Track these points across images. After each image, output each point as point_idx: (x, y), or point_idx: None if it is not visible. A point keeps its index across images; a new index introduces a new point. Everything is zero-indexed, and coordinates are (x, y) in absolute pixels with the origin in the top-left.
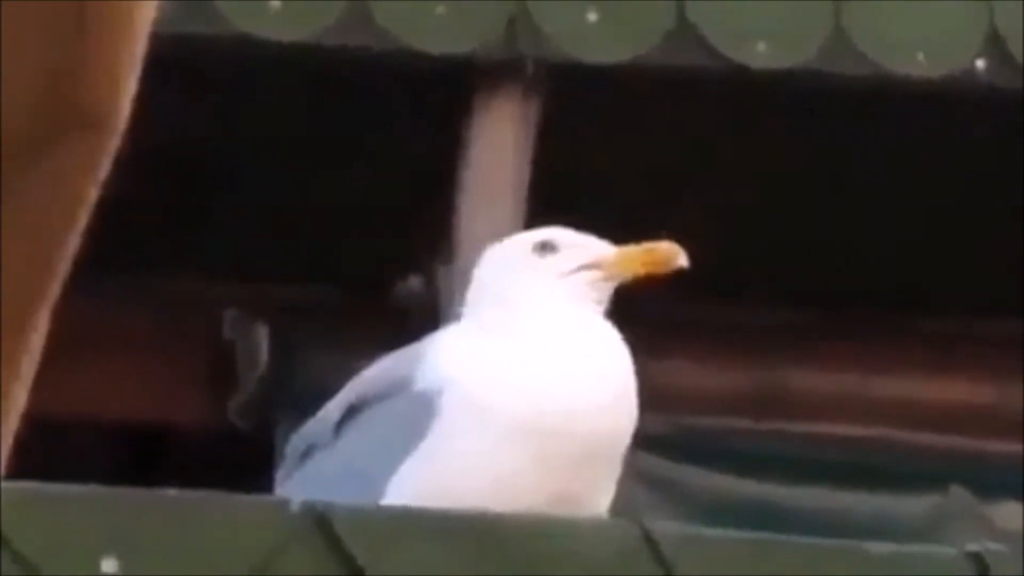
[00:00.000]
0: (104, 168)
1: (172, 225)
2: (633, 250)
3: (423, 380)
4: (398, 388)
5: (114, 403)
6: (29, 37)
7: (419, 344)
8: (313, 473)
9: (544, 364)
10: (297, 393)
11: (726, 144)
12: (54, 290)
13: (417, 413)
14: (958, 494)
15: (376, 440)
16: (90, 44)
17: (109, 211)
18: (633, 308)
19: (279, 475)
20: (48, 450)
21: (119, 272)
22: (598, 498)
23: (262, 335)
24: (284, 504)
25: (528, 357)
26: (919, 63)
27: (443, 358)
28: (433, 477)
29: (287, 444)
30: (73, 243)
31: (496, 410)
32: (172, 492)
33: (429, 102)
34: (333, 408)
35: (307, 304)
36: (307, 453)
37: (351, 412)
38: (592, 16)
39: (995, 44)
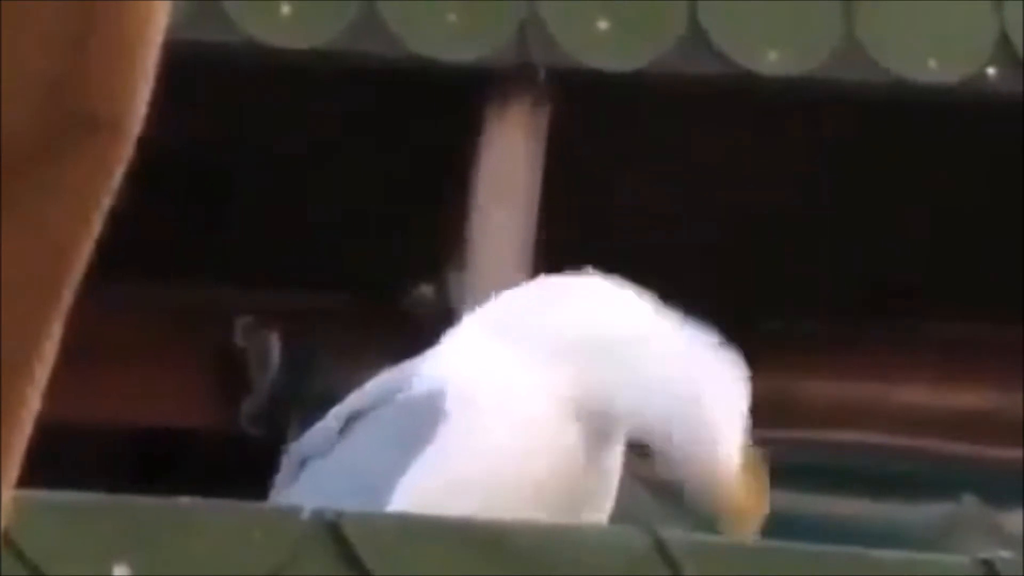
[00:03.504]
0: (118, 174)
1: (182, 232)
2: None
3: (421, 384)
4: (397, 393)
5: (125, 410)
6: (34, 40)
7: (424, 355)
8: (311, 484)
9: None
10: (309, 400)
11: (737, 150)
12: (68, 296)
13: (417, 416)
14: (970, 502)
15: (376, 448)
16: (100, 46)
17: (119, 218)
18: None
19: (276, 485)
20: (59, 457)
21: (130, 279)
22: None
23: (274, 342)
24: (295, 512)
25: (526, 356)
26: (931, 69)
27: (442, 360)
28: (439, 480)
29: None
30: (87, 249)
31: (495, 403)
32: (184, 499)
33: (440, 109)
34: (331, 418)
35: (319, 311)
36: (303, 464)
37: (349, 422)
38: (603, 24)
39: (1006, 51)
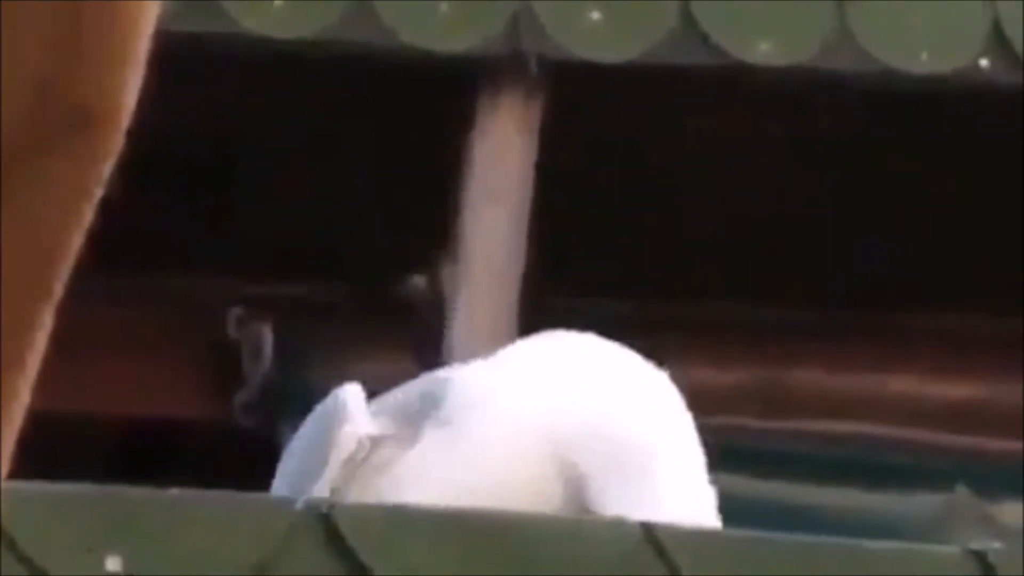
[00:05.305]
0: (108, 166)
1: (175, 223)
2: None
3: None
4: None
5: (118, 401)
6: (23, 37)
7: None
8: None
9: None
10: (302, 391)
11: (729, 142)
12: (59, 288)
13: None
14: (963, 493)
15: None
16: (92, 41)
17: (112, 210)
18: (636, 308)
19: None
20: (51, 448)
21: (122, 270)
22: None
23: (266, 333)
24: (288, 502)
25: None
26: (923, 60)
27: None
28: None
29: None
30: (77, 241)
31: (501, 401)
32: (176, 491)
33: (433, 100)
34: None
35: (311, 302)
36: None
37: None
38: (595, 15)
39: (999, 42)
